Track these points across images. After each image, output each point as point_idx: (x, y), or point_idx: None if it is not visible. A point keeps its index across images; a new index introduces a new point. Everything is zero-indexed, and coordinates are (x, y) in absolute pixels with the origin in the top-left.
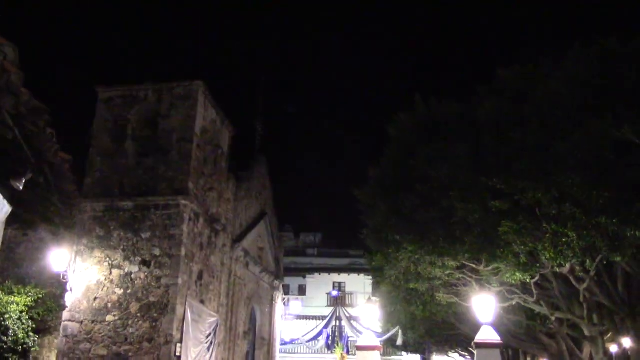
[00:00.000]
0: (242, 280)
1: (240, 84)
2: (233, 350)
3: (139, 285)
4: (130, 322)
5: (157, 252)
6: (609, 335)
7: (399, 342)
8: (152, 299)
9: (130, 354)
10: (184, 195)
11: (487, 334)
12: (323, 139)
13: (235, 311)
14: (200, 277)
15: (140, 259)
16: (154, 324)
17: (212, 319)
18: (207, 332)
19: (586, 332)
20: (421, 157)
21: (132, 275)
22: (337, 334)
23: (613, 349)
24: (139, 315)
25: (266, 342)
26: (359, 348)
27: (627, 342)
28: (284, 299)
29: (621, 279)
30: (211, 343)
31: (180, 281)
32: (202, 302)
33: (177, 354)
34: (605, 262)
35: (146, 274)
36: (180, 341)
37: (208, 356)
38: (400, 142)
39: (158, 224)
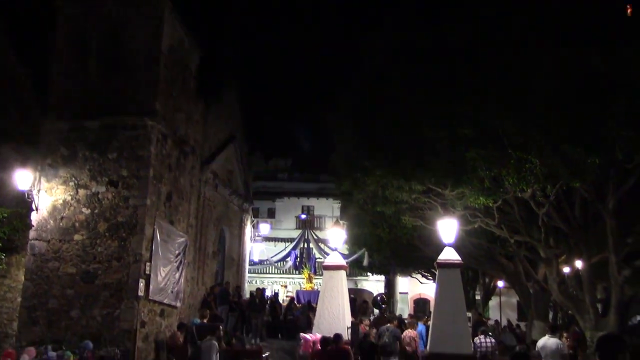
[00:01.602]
0: (211, 202)
1: (211, 5)
2: (202, 270)
3: (106, 205)
4: (98, 242)
5: (124, 172)
6: (563, 257)
7: (365, 263)
8: (120, 219)
9: (99, 272)
10: (151, 115)
11: (449, 255)
12: (294, 64)
13: (204, 232)
14: (169, 198)
15: (107, 179)
16: (122, 244)
17: (181, 239)
18: (177, 252)
19: (542, 254)
20: (391, 82)
21: (99, 196)
22: (305, 255)
23: (566, 270)
24: (107, 234)
25: (235, 262)
26: (326, 267)
27: (579, 263)
28: (253, 221)
29: (578, 204)
30: (180, 262)
31: (148, 202)
32: (171, 222)
33: (147, 272)
34: (564, 188)
35: (113, 194)
36: (150, 260)
37: (177, 275)
38: (371, 65)
39: (125, 144)
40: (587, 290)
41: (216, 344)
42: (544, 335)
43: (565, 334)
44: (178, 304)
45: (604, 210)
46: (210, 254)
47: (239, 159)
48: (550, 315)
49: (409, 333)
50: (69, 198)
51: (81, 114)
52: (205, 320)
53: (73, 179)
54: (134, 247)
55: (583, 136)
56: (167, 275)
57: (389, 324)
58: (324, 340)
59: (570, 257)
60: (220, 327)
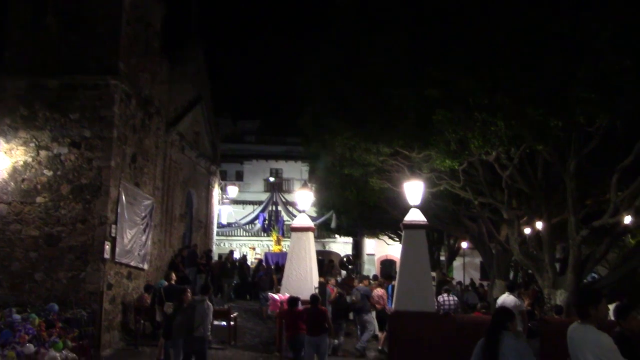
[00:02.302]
0: (178, 164)
1: None
2: (170, 232)
3: (69, 167)
4: (61, 204)
5: (87, 133)
6: (524, 218)
7: (333, 225)
8: (83, 181)
9: (63, 235)
10: (114, 74)
11: (415, 216)
12: (262, 23)
13: (171, 194)
14: (133, 160)
15: (69, 140)
16: (87, 206)
17: (148, 202)
18: (143, 215)
19: (505, 216)
20: (359, 44)
21: (62, 157)
22: (273, 218)
23: (527, 231)
24: (70, 197)
25: (203, 225)
26: (293, 229)
27: (539, 224)
28: (221, 184)
29: (541, 167)
30: (147, 225)
31: (113, 163)
32: (136, 185)
33: (112, 234)
34: (528, 151)
35: (76, 155)
36: (115, 222)
37: (144, 237)
38: (339, 27)
39: (87, 104)
40: (546, 250)
41: (211, 305)
42: (504, 293)
43: (522, 291)
44: (145, 266)
45: (564, 173)
46: (177, 216)
47: (206, 120)
48: (511, 275)
49: (378, 292)
50: (29, 160)
51: (40, 72)
52: (173, 283)
53: (34, 140)
54: (99, 210)
55: (547, 99)
56: (133, 238)
57: (360, 284)
58: (292, 300)
59: (532, 218)
60: (188, 289)
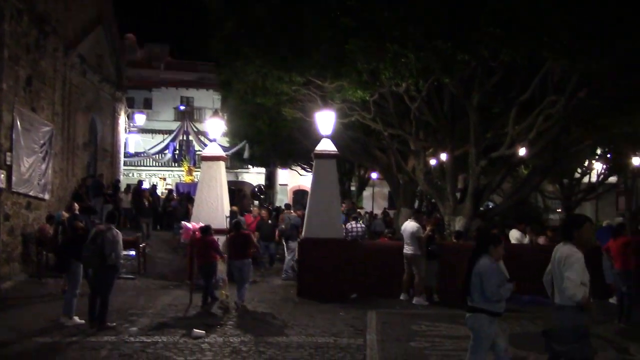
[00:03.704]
0: (79, 89)
1: None
2: (72, 161)
3: None
4: None
5: None
6: (430, 150)
7: (245, 155)
8: None
9: None
10: None
11: (326, 146)
12: None
13: (72, 121)
14: (28, 83)
15: None
16: None
17: (46, 128)
18: (41, 142)
19: (412, 147)
20: None
21: None
22: (184, 148)
23: (432, 162)
24: None
25: (109, 154)
26: (204, 158)
27: (444, 156)
28: (127, 111)
29: (447, 100)
30: (46, 153)
31: (4, 86)
32: (33, 110)
33: (8, 162)
34: (435, 83)
35: None
36: (10, 150)
37: (44, 166)
38: None
39: None
40: (449, 180)
41: (119, 232)
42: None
43: (425, 218)
44: (46, 197)
45: (468, 106)
46: (80, 144)
47: (110, 42)
48: (416, 203)
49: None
50: None
51: None
52: (77, 213)
53: None
54: None
55: (455, 32)
56: (31, 166)
57: (292, 213)
58: (204, 228)
59: (437, 149)
60: (80, 220)
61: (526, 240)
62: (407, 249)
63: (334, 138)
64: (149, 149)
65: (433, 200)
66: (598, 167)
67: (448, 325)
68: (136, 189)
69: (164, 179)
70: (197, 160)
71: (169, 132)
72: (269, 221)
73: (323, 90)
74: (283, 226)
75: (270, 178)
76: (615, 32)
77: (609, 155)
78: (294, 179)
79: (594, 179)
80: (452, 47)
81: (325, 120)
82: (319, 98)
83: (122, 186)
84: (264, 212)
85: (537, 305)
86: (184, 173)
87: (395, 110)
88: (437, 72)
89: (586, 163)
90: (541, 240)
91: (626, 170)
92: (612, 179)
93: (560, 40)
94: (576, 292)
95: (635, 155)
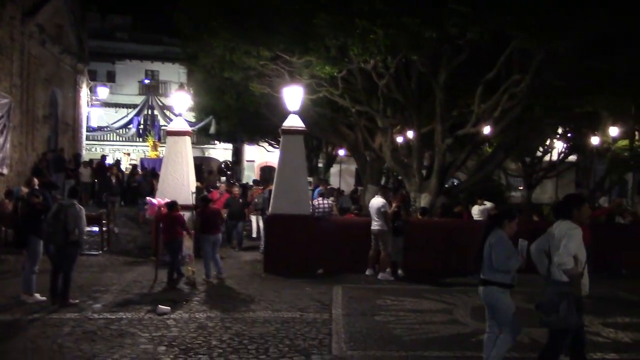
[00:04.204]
0: (39, 60)
1: None
2: (32, 135)
3: None
4: None
5: None
6: (397, 127)
7: (212, 130)
8: None
9: None
10: None
11: (293, 122)
12: None
13: (31, 93)
14: None
15: None
16: None
17: (4, 101)
18: None
19: (380, 124)
20: None
21: None
22: (149, 122)
23: (399, 139)
24: None
25: (70, 128)
26: (169, 133)
27: (410, 133)
28: (89, 84)
29: (415, 78)
30: (4, 126)
31: None
32: None
33: None
34: (404, 60)
35: None
36: None
37: (1, 140)
38: None
39: None
40: (415, 157)
41: (82, 208)
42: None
43: (392, 195)
44: (4, 171)
45: (435, 84)
46: (40, 117)
47: (70, 12)
48: (383, 180)
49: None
50: None
51: None
52: (36, 188)
53: None
54: None
55: (423, 10)
56: None
57: (268, 189)
58: (170, 204)
59: (404, 127)
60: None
61: (488, 205)
62: (374, 225)
63: (301, 114)
64: (112, 123)
65: (399, 177)
66: (559, 146)
67: (412, 300)
68: (99, 163)
69: (128, 154)
70: (162, 136)
71: (133, 106)
72: (240, 199)
73: (291, 66)
74: (256, 200)
75: (237, 154)
76: (578, 13)
77: (569, 135)
78: (261, 155)
79: (554, 157)
80: (420, 25)
81: (293, 96)
82: (287, 73)
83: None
84: (235, 189)
85: None
86: (149, 148)
87: (363, 86)
88: (405, 49)
89: (548, 142)
90: None
91: (585, 149)
92: (572, 158)
93: (526, 19)
94: (567, 261)
95: (595, 134)
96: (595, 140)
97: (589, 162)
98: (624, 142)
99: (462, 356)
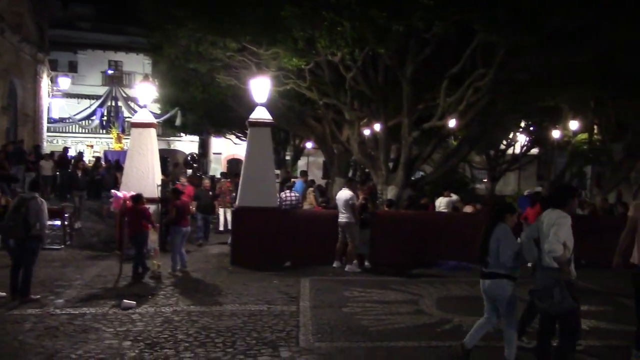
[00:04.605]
0: None
1: None
2: None
3: None
4: None
5: None
6: (364, 120)
7: (178, 122)
8: None
9: None
10: None
11: (261, 114)
12: None
13: None
14: None
15: None
16: None
17: None
18: None
19: (347, 117)
20: None
21: None
22: (113, 114)
23: (366, 132)
24: None
25: (30, 119)
26: (134, 125)
27: (377, 126)
28: (50, 74)
29: (382, 71)
30: None
31: None
32: None
33: None
34: (371, 54)
35: None
36: None
37: None
38: None
39: None
40: (382, 150)
41: (44, 201)
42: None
43: (359, 187)
44: None
45: (402, 77)
46: None
47: (30, 1)
48: (350, 173)
49: None
50: None
51: None
52: None
53: None
54: None
55: (390, 3)
56: None
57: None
58: (135, 197)
59: (371, 120)
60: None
61: (454, 198)
62: (342, 217)
63: (269, 106)
64: (74, 115)
65: (367, 170)
66: (522, 139)
67: (379, 291)
68: (61, 156)
69: (92, 146)
70: (126, 127)
71: (97, 97)
72: (210, 192)
73: (258, 57)
74: (234, 194)
75: (204, 146)
76: (541, 8)
77: (532, 128)
78: (228, 148)
79: (517, 150)
80: (387, 18)
81: (260, 88)
82: (254, 65)
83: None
84: (206, 181)
85: (462, 270)
86: (113, 140)
87: (331, 79)
88: (372, 42)
89: (511, 135)
90: (468, 209)
91: (547, 142)
92: (534, 151)
93: (491, 14)
94: (557, 248)
95: (556, 128)
96: (556, 134)
97: (550, 155)
98: (584, 136)
99: (428, 346)
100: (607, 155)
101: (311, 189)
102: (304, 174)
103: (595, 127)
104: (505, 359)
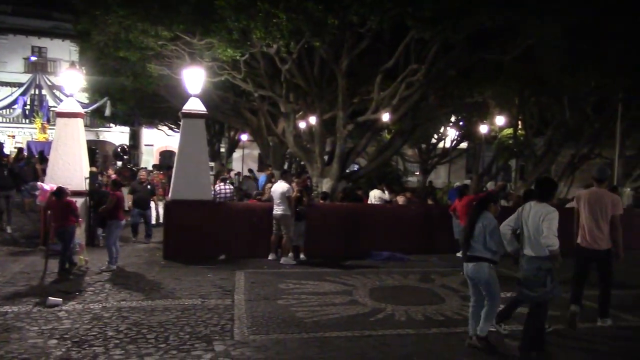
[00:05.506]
0: None
1: None
2: None
3: None
4: None
5: None
6: (300, 113)
7: (107, 113)
8: None
9: None
10: None
11: (194, 105)
12: None
13: None
14: None
15: None
16: None
17: None
18: None
19: (282, 109)
20: None
21: None
22: (36, 103)
23: (302, 125)
24: None
25: None
26: (59, 115)
27: (313, 119)
28: None
29: (317, 64)
30: None
31: None
32: None
33: None
34: (306, 46)
35: None
36: None
37: None
38: None
39: None
40: (317, 143)
41: None
42: (279, 181)
43: (294, 179)
44: None
45: (337, 71)
46: None
47: None
48: (286, 165)
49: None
50: None
51: None
52: None
53: None
54: None
55: None
56: None
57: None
58: (59, 190)
59: (307, 113)
60: None
61: (386, 196)
62: (277, 210)
63: (202, 97)
64: None
65: (302, 163)
66: (452, 133)
67: (314, 283)
68: None
69: (13, 137)
70: (51, 117)
71: (19, 84)
72: (148, 186)
73: (192, 47)
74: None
75: (135, 138)
76: (466, 8)
77: (461, 123)
78: (161, 140)
79: (448, 144)
80: (323, 11)
81: (193, 79)
82: (187, 55)
83: None
84: (142, 173)
85: (395, 261)
86: (37, 130)
87: (266, 71)
88: (308, 35)
89: (442, 129)
90: (400, 199)
91: (475, 137)
92: (463, 145)
93: (423, 11)
94: (554, 242)
95: (484, 123)
96: (484, 129)
97: (478, 149)
98: (509, 131)
99: (361, 335)
100: (530, 149)
101: (269, 184)
102: (267, 167)
103: (520, 122)
104: (479, 331)
